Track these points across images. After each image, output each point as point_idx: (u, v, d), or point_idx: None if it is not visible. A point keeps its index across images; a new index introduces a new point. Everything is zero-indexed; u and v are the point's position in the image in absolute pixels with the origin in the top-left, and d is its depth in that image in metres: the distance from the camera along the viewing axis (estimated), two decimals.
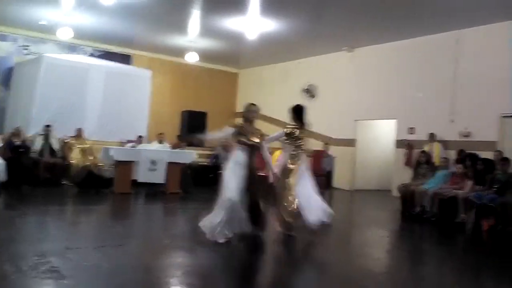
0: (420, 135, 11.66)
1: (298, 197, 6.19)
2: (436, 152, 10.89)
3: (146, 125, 13.53)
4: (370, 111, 13.26)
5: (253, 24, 11.17)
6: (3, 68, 13.62)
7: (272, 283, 4.40)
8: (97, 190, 10.00)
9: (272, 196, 6.23)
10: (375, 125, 13.93)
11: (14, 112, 12.75)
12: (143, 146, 11.41)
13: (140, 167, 9.94)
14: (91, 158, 11.09)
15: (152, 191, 10.27)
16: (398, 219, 8.97)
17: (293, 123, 6.59)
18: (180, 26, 12.35)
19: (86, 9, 11.15)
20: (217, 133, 6.05)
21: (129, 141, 12.09)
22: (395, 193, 10.36)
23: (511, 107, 10.12)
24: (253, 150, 5.69)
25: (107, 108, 12.83)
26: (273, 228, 6.20)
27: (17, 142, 10.64)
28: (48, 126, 11.22)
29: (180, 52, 14.34)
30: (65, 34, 11.96)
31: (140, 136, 12.11)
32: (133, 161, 9.95)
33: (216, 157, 12.45)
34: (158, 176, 10.11)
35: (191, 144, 12.05)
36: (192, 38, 13.19)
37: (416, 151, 11.14)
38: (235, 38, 12.79)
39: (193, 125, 14.99)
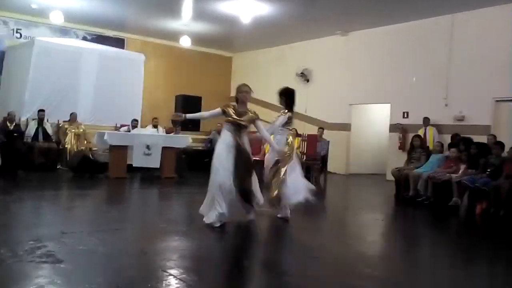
0: (415, 119, 11.69)
1: (287, 184, 6.11)
2: (430, 136, 10.95)
3: (140, 109, 13.47)
4: (364, 95, 13.26)
5: (247, 7, 11.09)
6: None
7: (265, 266, 4.43)
8: (92, 174, 9.99)
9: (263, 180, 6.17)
10: (370, 109, 13.95)
11: (7, 96, 12.64)
12: (137, 131, 11.38)
13: (135, 152, 9.93)
14: (85, 142, 11.07)
15: (147, 175, 10.27)
16: (392, 203, 9.03)
17: (285, 107, 6.42)
18: (173, 9, 12.23)
19: None
20: (207, 112, 5.96)
21: (122, 126, 12.05)
22: (389, 177, 10.41)
23: (505, 92, 10.16)
24: (241, 131, 5.57)
25: (101, 92, 12.76)
26: (266, 212, 6.23)
27: (11, 127, 10.58)
28: (41, 110, 11.16)
29: (174, 35, 14.23)
30: (57, 18, 11.82)
31: (135, 120, 12.07)
32: (127, 146, 9.94)
33: (210, 141, 12.46)
34: (153, 161, 10.10)
35: (183, 125, 11.99)
36: (186, 21, 13.07)
37: (410, 135, 11.19)
38: (229, 22, 12.70)
39: (187, 109, 14.91)
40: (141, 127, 12.37)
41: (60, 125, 11.35)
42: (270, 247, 5.25)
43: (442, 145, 9.39)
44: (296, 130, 12.17)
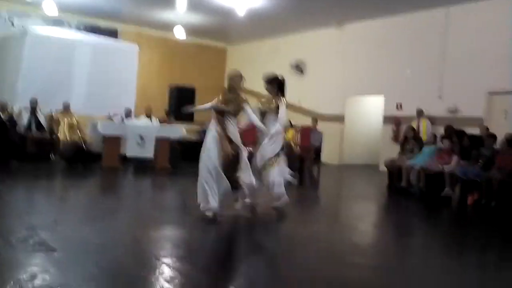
0: (408, 111, 11.73)
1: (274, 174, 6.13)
2: (424, 128, 10.99)
3: (133, 100, 13.41)
4: (358, 87, 13.28)
5: None
6: None
7: (258, 255, 4.46)
8: (85, 165, 9.97)
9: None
10: (364, 101, 13.97)
11: None
12: (131, 121, 11.35)
13: (129, 142, 9.92)
14: (79, 133, 11.03)
15: (140, 166, 10.27)
16: (385, 194, 9.08)
17: (275, 95, 6.25)
18: (168, 0, 12.16)
19: None
20: (205, 105, 5.90)
21: (115, 114, 11.94)
22: (382, 168, 10.46)
23: (499, 85, 10.21)
24: (225, 119, 5.42)
25: (94, 82, 12.68)
26: (259, 203, 6.25)
27: (4, 116, 10.52)
28: (34, 99, 11.09)
29: (168, 26, 14.14)
30: (50, 8, 11.72)
31: (128, 109, 12.01)
32: (121, 136, 9.92)
33: (204, 132, 12.41)
34: (147, 151, 10.10)
35: (181, 118, 11.97)
36: (180, 12, 13.00)
37: (403, 127, 11.23)
38: (224, 13, 12.65)
39: (181, 101, 14.88)
40: (135, 117, 12.32)
41: (53, 115, 11.29)
42: (262, 236, 5.27)
43: (435, 136, 9.44)
44: (290, 122, 12.23)
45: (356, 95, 13.58)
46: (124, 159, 9.98)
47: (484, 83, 10.42)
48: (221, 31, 15.54)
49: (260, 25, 14.04)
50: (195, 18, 13.67)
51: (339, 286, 3.59)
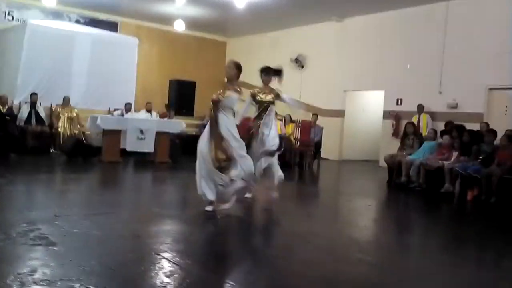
0: (408, 106, 11.71)
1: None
2: (424, 123, 10.99)
3: (133, 93, 13.41)
4: (358, 81, 13.26)
5: None
6: None
7: (257, 250, 4.46)
8: (85, 158, 9.97)
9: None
10: (364, 96, 13.96)
11: None
12: (131, 115, 11.34)
13: (129, 136, 9.91)
14: (78, 126, 11.03)
15: (140, 160, 10.27)
16: (385, 189, 9.09)
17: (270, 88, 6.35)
18: None
19: None
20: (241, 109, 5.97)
21: (115, 109, 11.99)
22: (382, 163, 10.47)
23: (499, 80, 10.20)
24: (217, 109, 5.32)
25: (94, 76, 12.66)
26: (260, 197, 6.26)
27: (3, 110, 10.51)
28: (34, 94, 11.08)
29: (168, 19, 14.11)
30: (50, 0, 11.68)
31: (128, 104, 12.01)
32: (121, 130, 9.91)
33: (204, 126, 12.40)
34: (147, 145, 10.09)
35: (181, 112, 11.97)
36: (180, 5, 12.95)
37: (403, 122, 11.22)
38: (223, 6, 12.60)
39: (181, 94, 14.89)
40: (135, 111, 12.33)
41: (53, 109, 11.28)
42: (262, 231, 5.28)
43: (435, 132, 9.43)
44: (290, 116, 12.23)
45: (356, 89, 13.56)
46: (124, 153, 9.96)
47: (484, 78, 10.41)
48: (221, 24, 15.48)
49: (260, 19, 13.99)
50: (195, 11, 13.62)
51: (338, 282, 3.59)
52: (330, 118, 13.49)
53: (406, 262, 4.33)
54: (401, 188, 8.75)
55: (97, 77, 12.66)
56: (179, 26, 13.56)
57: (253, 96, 6.33)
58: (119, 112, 11.53)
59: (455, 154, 8.43)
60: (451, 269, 4.15)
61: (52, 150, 10.77)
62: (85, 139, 10.68)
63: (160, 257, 3.77)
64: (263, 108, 6.28)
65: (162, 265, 3.58)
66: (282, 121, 11.49)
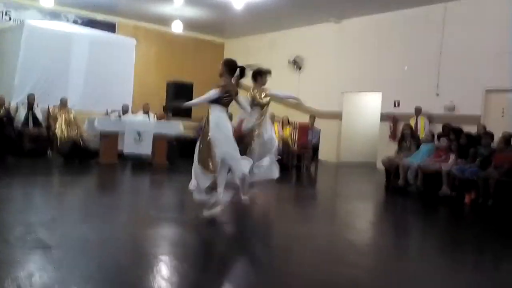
0: (405, 108, 11.73)
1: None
2: (422, 126, 10.99)
3: (131, 95, 13.37)
4: (356, 83, 13.28)
5: None
6: None
7: (255, 253, 4.46)
8: (82, 161, 9.94)
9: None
10: (361, 98, 13.97)
11: None
12: (128, 117, 11.31)
13: (126, 139, 9.89)
14: (76, 129, 10.98)
15: (138, 162, 10.24)
16: (382, 192, 9.09)
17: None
18: None
19: None
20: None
21: (113, 111, 11.94)
22: (380, 166, 10.47)
23: (496, 82, 10.22)
24: (211, 106, 5.48)
25: (91, 77, 12.62)
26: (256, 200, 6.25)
27: (0, 112, 10.46)
28: (31, 95, 11.03)
29: (165, 20, 14.10)
30: (47, 1, 11.66)
31: (126, 105, 11.97)
32: (118, 132, 9.89)
33: (202, 128, 12.36)
34: (144, 148, 10.07)
35: (177, 113, 11.93)
36: (178, 6, 12.95)
37: (401, 125, 11.22)
38: (221, 7, 12.61)
39: (179, 96, 14.84)
40: (132, 113, 12.29)
41: (50, 111, 11.24)
42: (259, 234, 5.27)
43: (432, 135, 9.44)
44: (287, 119, 12.24)
45: (354, 91, 13.58)
46: (122, 155, 9.94)
47: (481, 80, 10.43)
48: (218, 25, 15.49)
49: (258, 20, 14.01)
50: (193, 12, 13.62)
51: (335, 284, 3.59)
52: (328, 120, 13.50)
53: (403, 265, 4.32)
54: (399, 191, 8.75)
55: (94, 77, 12.62)
56: (177, 27, 13.56)
57: (254, 99, 6.36)
58: (117, 113, 11.49)
59: (452, 157, 8.43)
60: (448, 272, 4.15)
61: (49, 152, 10.74)
62: (82, 142, 10.64)
63: (158, 260, 3.76)
64: (263, 109, 6.35)
65: (160, 269, 3.57)
66: (279, 123, 11.49)
